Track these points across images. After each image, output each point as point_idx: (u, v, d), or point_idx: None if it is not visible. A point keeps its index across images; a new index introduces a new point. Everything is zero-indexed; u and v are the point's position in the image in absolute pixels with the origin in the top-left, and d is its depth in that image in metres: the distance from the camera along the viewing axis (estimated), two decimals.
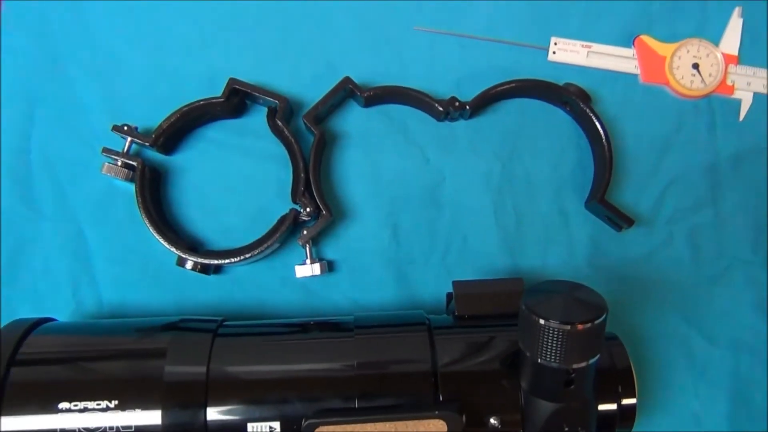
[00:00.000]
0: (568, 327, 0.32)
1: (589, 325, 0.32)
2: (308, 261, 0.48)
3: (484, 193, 0.50)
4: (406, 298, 0.49)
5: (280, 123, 0.47)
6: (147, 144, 0.47)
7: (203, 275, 0.47)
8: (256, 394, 0.37)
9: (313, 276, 0.48)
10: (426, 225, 0.50)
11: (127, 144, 0.47)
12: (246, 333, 0.41)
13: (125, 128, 0.47)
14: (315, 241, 0.49)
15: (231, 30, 0.51)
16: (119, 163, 0.46)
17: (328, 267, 0.49)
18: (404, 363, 0.38)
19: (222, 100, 0.47)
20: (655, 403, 0.48)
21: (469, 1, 0.51)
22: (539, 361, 0.34)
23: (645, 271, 0.49)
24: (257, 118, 0.50)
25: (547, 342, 0.33)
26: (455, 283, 0.42)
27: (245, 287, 0.49)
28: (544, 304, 0.33)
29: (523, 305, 0.34)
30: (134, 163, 0.46)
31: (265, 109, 0.49)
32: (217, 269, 0.49)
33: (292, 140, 0.47)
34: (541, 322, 0.33)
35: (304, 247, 0.48)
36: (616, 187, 0.50)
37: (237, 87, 0.47)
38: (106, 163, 0.47)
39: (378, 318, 0.42)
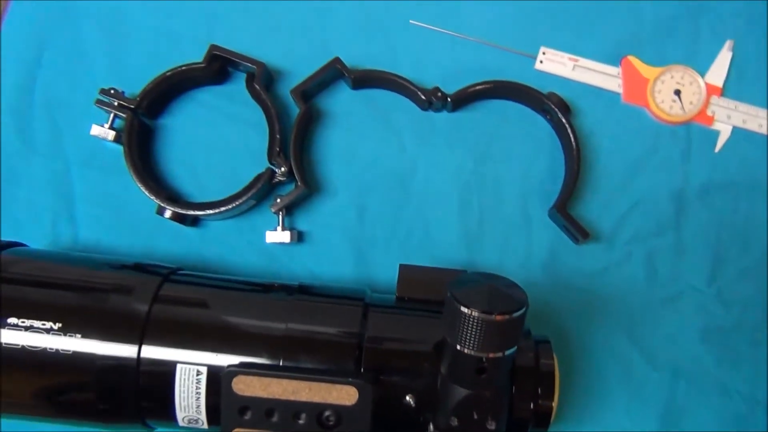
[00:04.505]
0: (487, 316, 0.33)
1: (507, 316, 0.33)
2: (279, 228, 0.50)
3: (453, 187, 0.51)
4: (362, 276, 0.50)
5: (257, 87, 0.49)
6: (132, 107, 0.49)
7: (179, 225, 0.50)
8: (189, 339, 0.39)
9: (282, 243, 0.50)
10: (392, 210, 0.51)
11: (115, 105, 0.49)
12: (195, 283, 0.43)
13: (112, 91, 0.49)
14: (288, 211, 0.51)
15: (235, 1, 0.53)
16: (107, 125, 0.49)
17: (298, 237, 0.51)
18: (333, 331, 0.40)
19: (203, 65, 0.49)
20: (586, 413, 0.48)
21: (467, 2, 0.53)
22: (457, 347, 0.35)
23: (598, 285, 0.50)
24: (239, 85, 0.52)
25: (465, 329, 0.34)
26: (401, 266, 0.44)
27: (215, 244, 0.51)
28: (467, 293, 0.34)
29: (448, 292, 0.35)
30: (124, 115, 0.49)
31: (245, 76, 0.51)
32: (194, 222, 0.51)
33: (269, 103, 0.49)
34: (462, 309, 0.34)
35: (277, 214, 0.50)
36: (582, 201, 0.51)
37: (217, 53, 0.49)
38: (95, 125, 0.49)
39: (320, 287, 0.44)
